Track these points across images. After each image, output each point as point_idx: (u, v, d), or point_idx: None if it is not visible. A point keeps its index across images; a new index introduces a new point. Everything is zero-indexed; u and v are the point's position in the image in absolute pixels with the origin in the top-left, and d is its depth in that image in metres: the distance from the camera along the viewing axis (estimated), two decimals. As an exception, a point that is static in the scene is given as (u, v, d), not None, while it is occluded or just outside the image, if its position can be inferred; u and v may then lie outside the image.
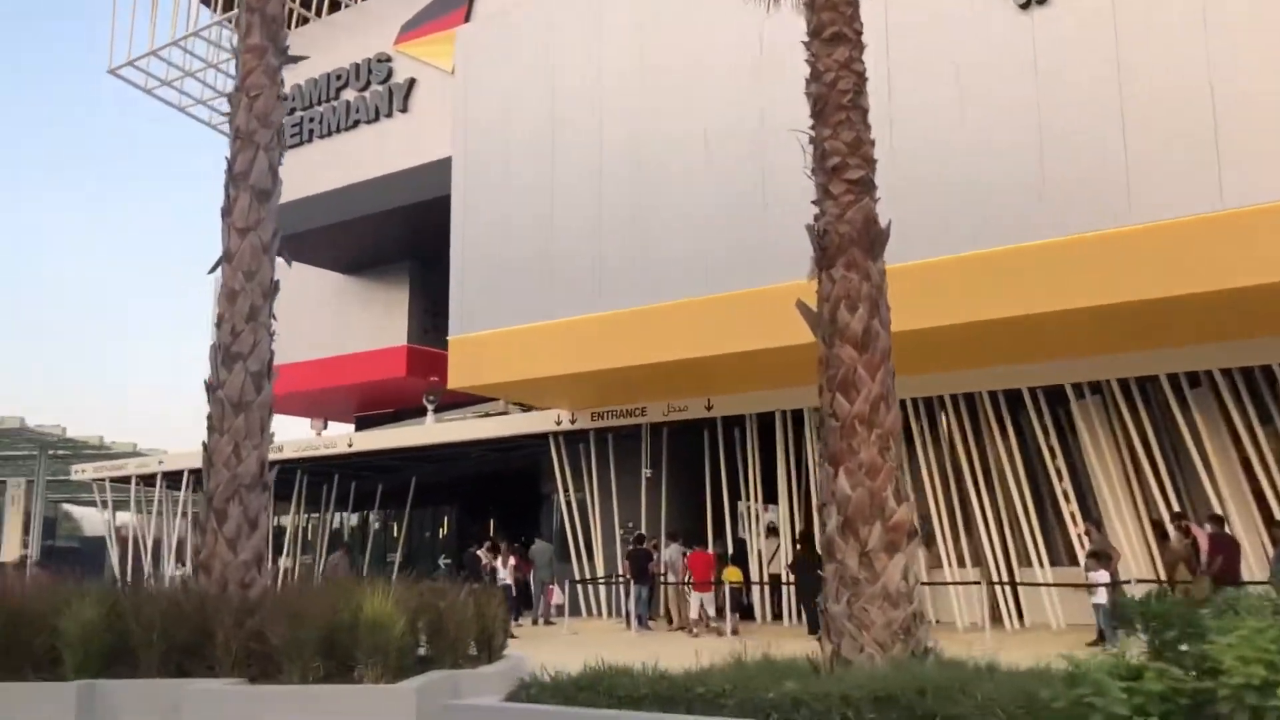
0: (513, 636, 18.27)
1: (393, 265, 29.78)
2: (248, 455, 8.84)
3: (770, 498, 19.63)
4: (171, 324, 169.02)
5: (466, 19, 25.35)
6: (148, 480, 28.95)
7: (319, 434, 33.52)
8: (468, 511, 31.24)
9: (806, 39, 7.29)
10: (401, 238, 28.53)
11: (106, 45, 31.95)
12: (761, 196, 16.16)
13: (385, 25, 26.86)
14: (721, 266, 16.40)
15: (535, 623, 20.79)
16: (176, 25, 31.35)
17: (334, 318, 30.90)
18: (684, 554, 18.93)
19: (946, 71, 14.54)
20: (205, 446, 8.99)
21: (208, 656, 7.12)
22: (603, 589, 21.44)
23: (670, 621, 19.47)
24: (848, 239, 6.81)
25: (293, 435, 35.67)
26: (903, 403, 17.16)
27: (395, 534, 30.97)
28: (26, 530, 48.76)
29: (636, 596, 19.08)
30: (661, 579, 19.48)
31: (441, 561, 29.48)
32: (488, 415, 26.84)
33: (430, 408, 28.49)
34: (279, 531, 28.96)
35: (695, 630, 18.11)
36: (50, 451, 46.70)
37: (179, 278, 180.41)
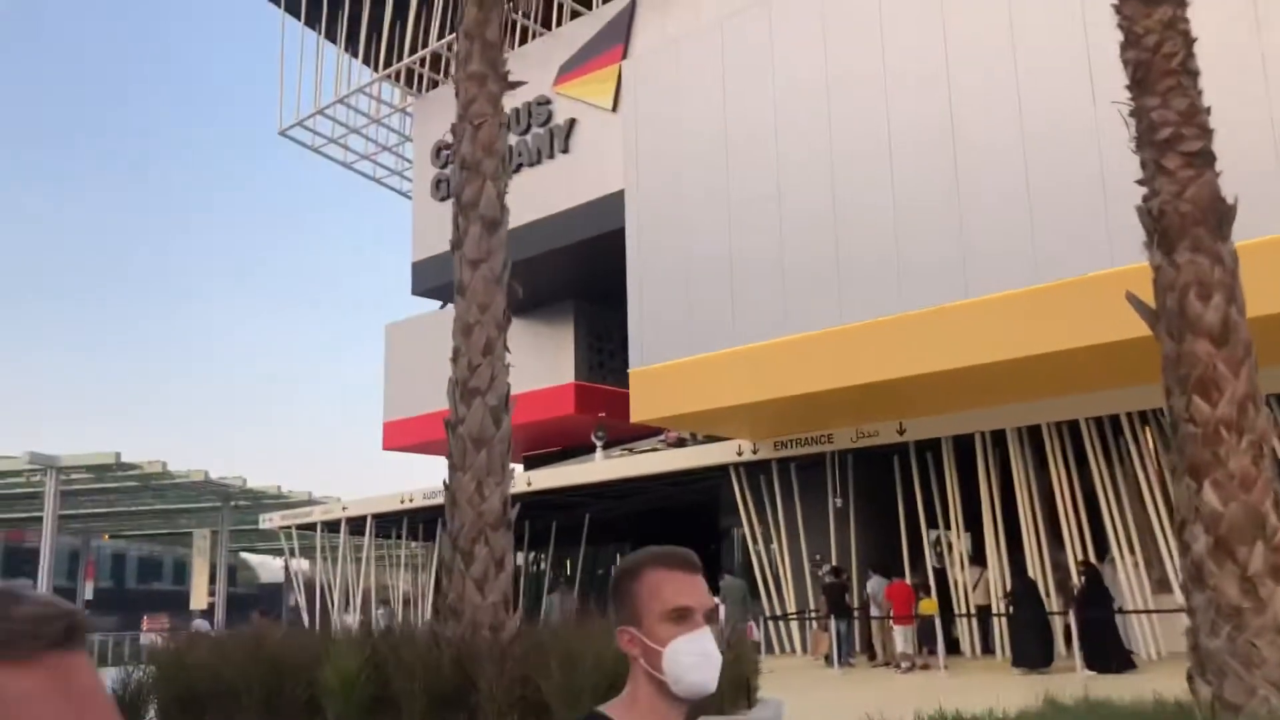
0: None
1: (557, 304, 29.53)
2: (491, 493, 8.31)
3: (971, 524, 18.39)
4: (341, 377, 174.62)
5: (624, 55, 25.05)
6: (331, 527, 29.15)
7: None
8: (640, 548, 30.65)
9: (1118, 1, 6.41)
10: (565, 276, 28.28)
11: (275, 109, 32.69)
12: (956, 204, 15.21)
13: (543, 69, 26.70)
14: (916, 281, 15.46)
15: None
16: (339, 85, 31.94)
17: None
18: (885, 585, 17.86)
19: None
20: (447, 485, 8.50)
21: (470, 705, 6.55)
22: (794, 625, 20.43)
23: (873, 657, 18.37)
24: (1190, 219, 5.89)
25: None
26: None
27: (568, 572, 30.52)
28: (212, 579, 50.10)
29: (836, 632, 18.05)
30: (858, 612, 18.42)
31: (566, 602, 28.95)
32: (655, 449, 26.24)
33: (599, 444, 28.04)
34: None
35: (904, 665, 17.01)
36: (232, 502, 47.94)
37: (342, 332, 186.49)
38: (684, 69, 18.89)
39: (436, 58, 29.65)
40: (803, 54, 17.23)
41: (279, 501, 49.17)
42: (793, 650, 20.46)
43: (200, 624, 10.82)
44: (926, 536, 19.02)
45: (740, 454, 20.73)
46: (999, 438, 17.99)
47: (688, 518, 27.57)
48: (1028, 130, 14.76)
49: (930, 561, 19.34)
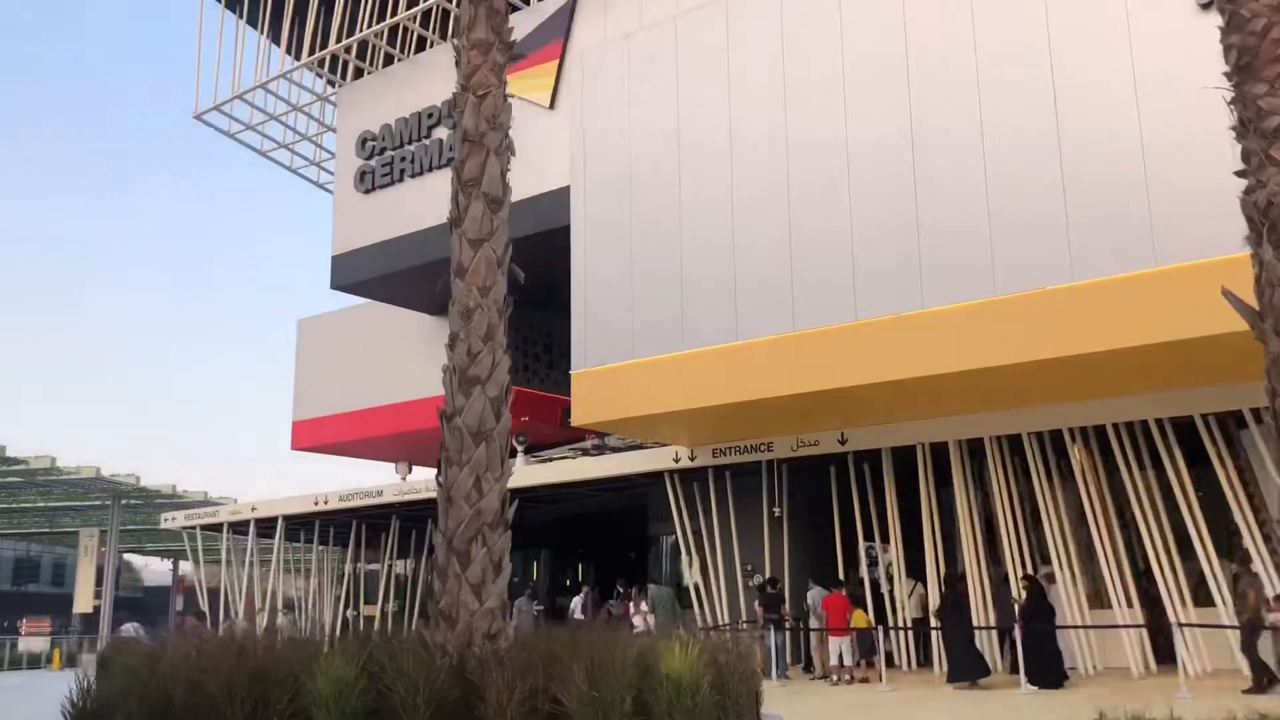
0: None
1: (482, 305, 28.73)
2: (489, 489, 7.72)
3: (910, 537, 18.24)
4: (239, 373, 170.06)
5: (563, 51, 24.52)
6: (238, 528, 27.92)
7: (404, 478, 32.45)
8: (560, 555, 30.03)
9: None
10: (492, 276, 27.51)
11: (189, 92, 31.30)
12: (914, 212, 15.01)
13: (477, 62, 25.97)
14: (870, 290, 15.23)
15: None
16: (259, 71, 30.70)
17: (426, 359, 29.83)
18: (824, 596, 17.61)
19: None
20: (440, 481, 7.87)
21: (476, 718, 5.93)
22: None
23: (809, 669, 18.11)
24: (1304, 211, 5.62)
25: (380, 479, 34.68)
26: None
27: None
28: (98, 580, 47.78)
29: (774, 644, 17.74)
30: (790, 624, 18.15)
31: (534, 608, 28.28)
32: (569, 457, 25.68)
33: (520, 449, 27.35)
34: (371, 577, 27.91)
35: (836, 678, 16.76)
36: (123, 501, 45.80)
37: (239, 327, 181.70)
38: (635, 64, 18.44)
39: (363, 45, 28.66)
40: (759, 53, 16.92)
41: (173, 501, 47.21)
42: (724, 661, 20.06)
43: (128, 628, 10.00)
44: (862, 548, 18.82)
45: (677, 460, 20.30)
46: (940, 450, 17.89)
47: (614, 525, 27.08)
48: (988, 136, 14.65)
49: (864, 573, 19.17)
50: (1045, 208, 14.11)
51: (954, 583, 17.07)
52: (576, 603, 23.07)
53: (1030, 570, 16.55)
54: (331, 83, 30.08)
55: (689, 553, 20.53)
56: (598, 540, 29.00)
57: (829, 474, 19.67)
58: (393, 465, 34.05)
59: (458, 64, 9.17)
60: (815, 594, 17.96)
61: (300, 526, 27.67)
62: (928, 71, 15.26)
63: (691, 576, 20.44)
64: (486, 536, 7.58)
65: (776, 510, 19.22)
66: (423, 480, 25.36)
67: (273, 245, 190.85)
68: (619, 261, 17.94)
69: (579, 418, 18.19)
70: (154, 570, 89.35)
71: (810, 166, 16.20)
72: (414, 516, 26.93)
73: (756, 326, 16.25)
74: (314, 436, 32.44)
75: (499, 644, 6.92)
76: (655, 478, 21.48)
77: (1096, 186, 13.77)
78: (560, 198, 23.82)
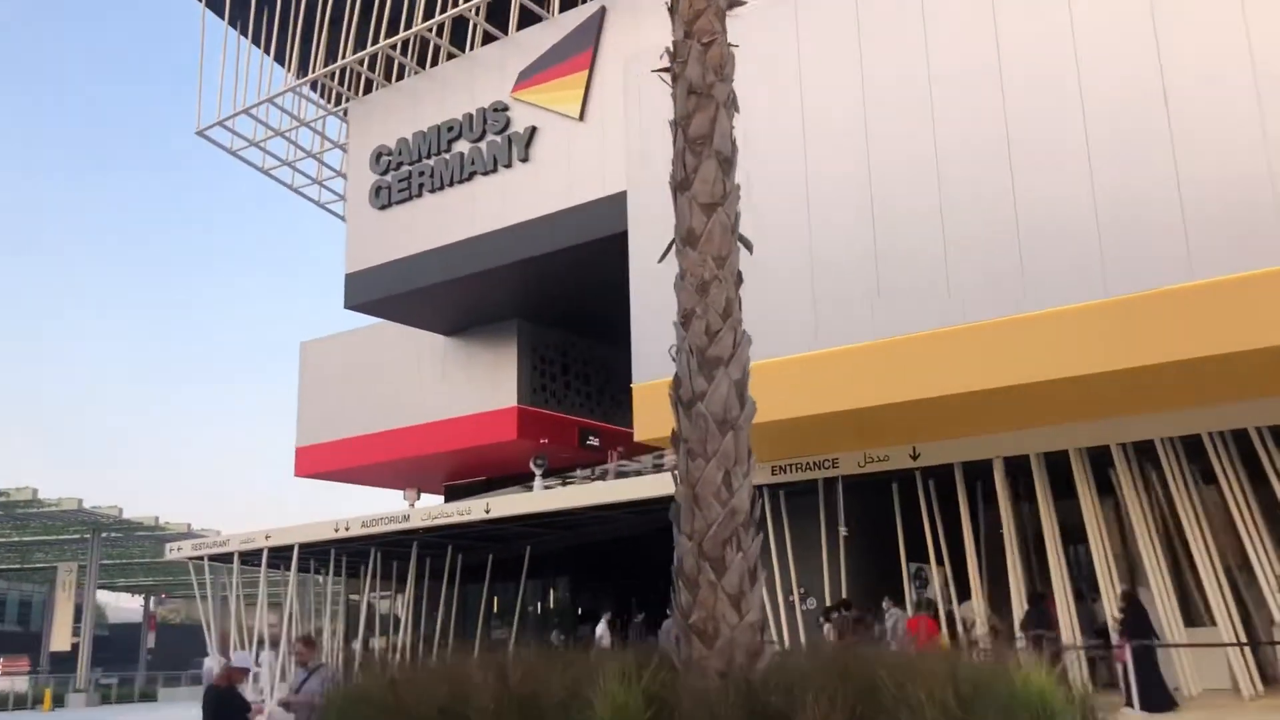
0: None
1: (499, 324, 27.64)
2: (739, 486, 6.64)
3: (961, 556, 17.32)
4: (217, 407, 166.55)
5: (592, 63, 23.61)
6: (248, 558, 26.43)
7: (412, 504, 31.13)
8: (585, 581, 28.79)
9: None
10: (511, 295, 26.48)
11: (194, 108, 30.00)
12: (1012, 214, 14.19)
13: (497, 74, 25.04)
14: (963, 295, 14.36)
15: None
16: (263, 87, 29.50)
17: (437, 381, 28.72)
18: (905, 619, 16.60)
19: None
20: (681, 476, 6.76)
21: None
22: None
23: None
24: None
25: (385, 507, 33.44)
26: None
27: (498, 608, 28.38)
28: (76, 617, 45.69)
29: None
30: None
31: (554, 637, 27.02)
32: (587, 481, 24.53)
33: (538, 472, 26.21)
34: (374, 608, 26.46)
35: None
36: (103, 534, 43.91)
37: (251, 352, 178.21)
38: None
39: (369, 61, 27.57)
40: (840, 49, 16.09)
41: (154, 534, 45.42)
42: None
43: (242, 657, 8.68)
44: (934, 568, 17.81)
45: (732, 479, 19.19)
46: (1017, 464, 17.00)
47: (643, 550, 25.90)
48: (1092, 136, 13.88)
49: (927, 593, 18.22)
50: (1156, 208, 13.34)
51: (1038, 600, 16.17)
52: (601, 630, 21.82)
53: (1125, 587, 15.66)
54: (338, 99, 28.91)
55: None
56: (629, 566, 27.76)
57: (891, 491, 18.70)
58: (399, 492, 32.75)
59: (673, 11, 8.06)
60: (897, 616, 16.93)
61: (311, 555, 26.21)
62: (1022, 70, 14.50)
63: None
64: (741, 539, 6.52)
65: (845, 529, 18.16)
66: (451, 505, 24.03)
67: (271, 269, 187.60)
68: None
69: (642, 433, 17.11)
70: (118, 608, 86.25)
71: (898, 165, 15.34)
72: (433, 543, 25.62)
73: (839, 333, 15.30)
74: (319, 463, 31.05)
75: (757, 665, 5.86)
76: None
77: (1211, 185, 13.03)
78: (587, 213, 22.95)
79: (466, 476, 31.07)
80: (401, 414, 29.22)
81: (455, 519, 22.67)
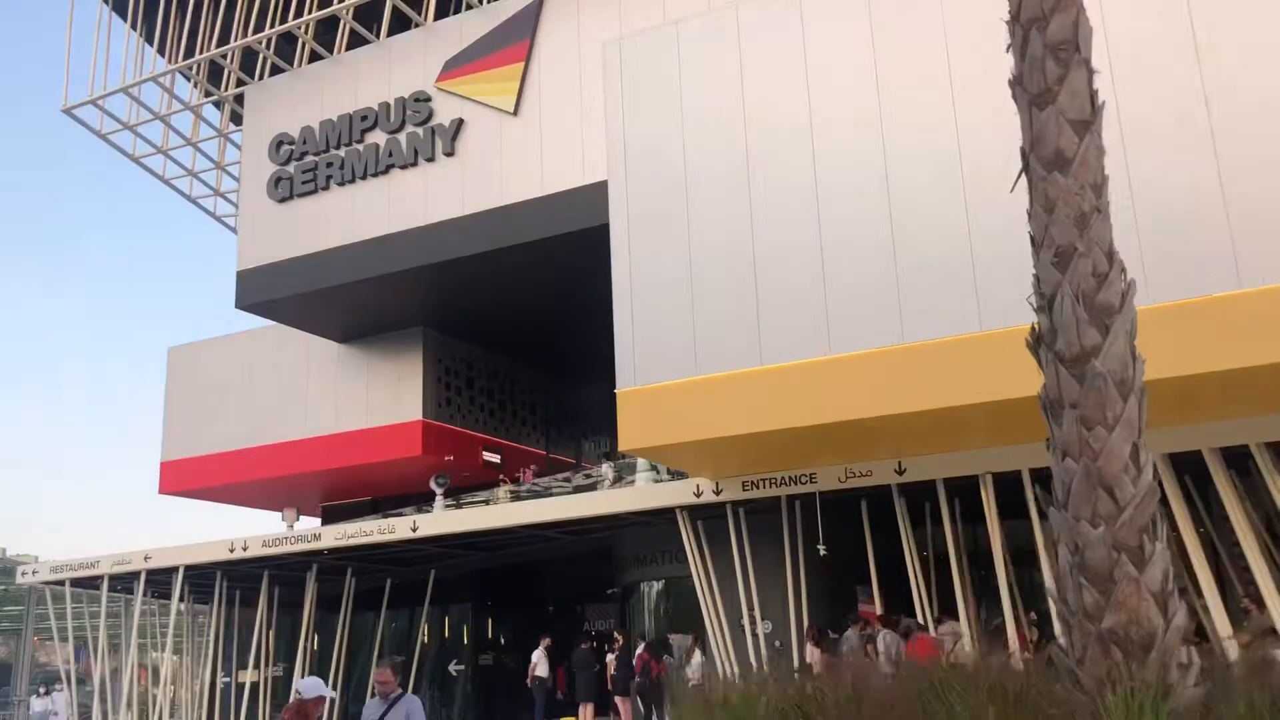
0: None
1: (402, 332, 25.41)
2: (1145, 463, 5.16)
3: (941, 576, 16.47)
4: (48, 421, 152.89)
5: (529, 54, 21.94)
6: (119, 582, 23.18)
7: (290, 526, 28.26)
8: (488, 608, 26.65)
9: None
10: (421, 300, 24.37)
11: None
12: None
13: (418, 62, 23.04)
14: (991, 296, 13.41)
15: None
16: (126, 72, 26.41)
17: (328, 392, 26.16)
18: (905, 642, 15.45)
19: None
20: (1063, 447, 5.23)
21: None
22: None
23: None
24: None
25: (258, 530, 30.52)
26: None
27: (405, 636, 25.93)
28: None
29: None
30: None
31: (453, 668, 24.94)
32: (487, 502, 22.58)
33: (439, 491, 24.06)
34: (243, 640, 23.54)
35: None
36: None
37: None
38: (689, 50, 16.15)
39: (270, 42, 25.08)
40: (847, 35, 15.04)
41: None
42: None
43: (313, 684, 6.59)
44: (921, 587, 16.78)
45: (699, 494, 17.78)
46: (1003, 481, 16.23)
47: (574, 572, 24.14)
48: (1126, 131, 13.21)
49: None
50: (1199, 208, 12.75)
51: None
52: (538, 657, 19.99)
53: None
54: (228, 83, 26.16)
55: (708, 597, 17.93)
56: (553, 591, 25.86)
57: (859, 509, 17.68)
58: (275, 514, 29.77)
59: None
60: (888, 638, 15.78)
61: (200, 579, 23.20)
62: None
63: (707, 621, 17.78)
64: (1157, 527, 5.11)
65: (823, 548, 16.97)
66: (370, 523, 21.58)
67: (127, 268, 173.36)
68: (674, 268, 15.43)
69: (627, 442, 15.46)
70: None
71: (913, 159, 14.32)
72: (332, 568, 23.08)
73: (853, 338, 14.12)
74: (187, 480, 27.89)
75: (1188, 679, 4.47)
76: (652, 516, 18.89)
77: (1257, 185, 12.52)
78: (521, 212, 21.25)
79: (348, 496, 28.50)
80: (284, 427, 26.53)
81: (376, 538, 20.36)
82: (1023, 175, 5.77)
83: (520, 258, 21.80)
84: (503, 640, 26.35)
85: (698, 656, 16.08)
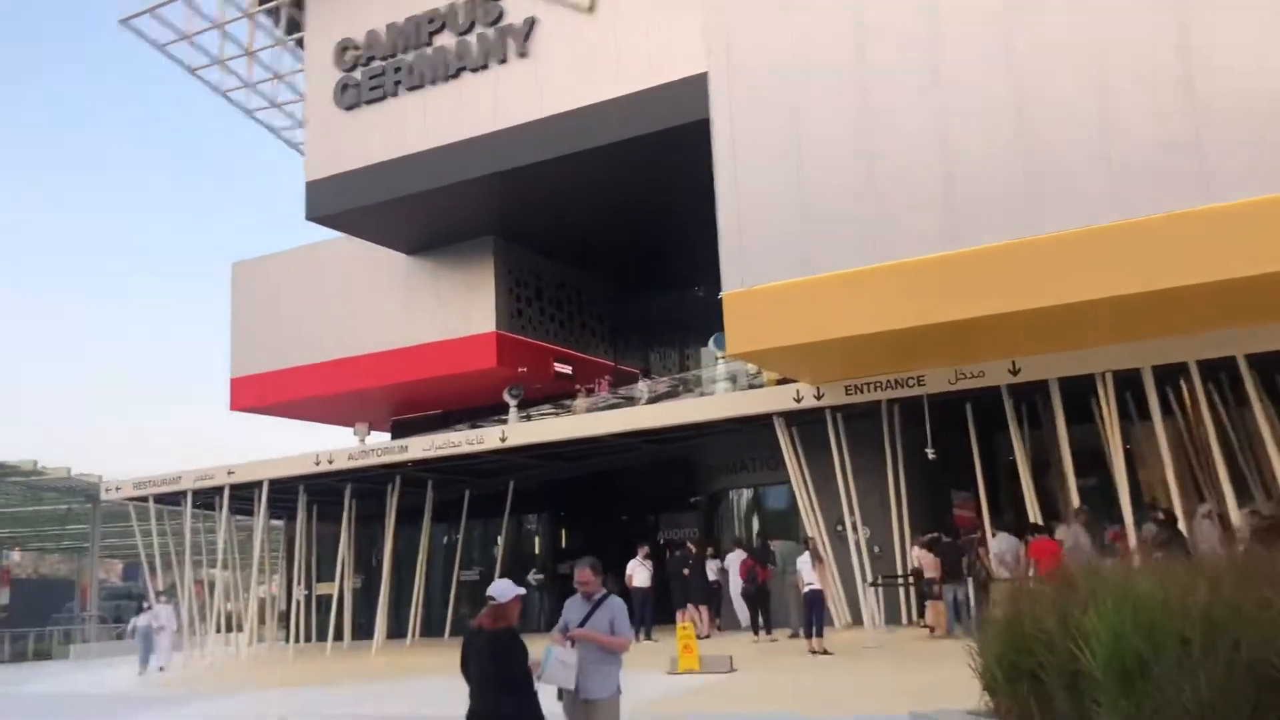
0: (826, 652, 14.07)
1: (472, 242, 24.77)
2: None
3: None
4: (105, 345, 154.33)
5: (604, -53, 20.84)
6: (202, 496, 23.02)
7: (362, 440, 28.06)
8: (567, 519, 26.46)
9: None
10: (492, 209, 23.67)
11: None
12: (1189, 97, 12.47)
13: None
14: (1127, 182, 12.62)
15: (797, 635, 16.41)
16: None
17: (397, 305, 25.68)
18: (1025, 544, 14.99)
19: None
20: None
21: None
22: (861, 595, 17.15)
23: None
24: None
25: (338, 443, 30.36)
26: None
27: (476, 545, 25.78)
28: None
29: (954, 600, 15.10)
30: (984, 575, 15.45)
31: (532, 577, 24.78)
32: (565, 411, 22.06)
33: (513, 403, 23.65)
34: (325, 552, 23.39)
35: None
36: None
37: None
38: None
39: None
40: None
41: (31, 479, 40.47)
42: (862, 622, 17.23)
43: (505, 586, 5.99)
44: (1029, 490, 16.23)
45: (799, 399, 17.24)
46: (1131, 379, 15.57)
47: (657, 482, 23.80)
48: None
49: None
50: None
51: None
52: (634, 566, 19.48)
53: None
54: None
55: (810, 506, 17.50)
56: (629, 501, 25.56)
57: (964, 412, 17.10)
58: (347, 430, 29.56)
59: None
60: (1004, 541, 15.35)
61: (282, 493, 23.00)
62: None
63: (810, 530, 17.36)
64: None
65: (932, 451, 16.43)
66: (458, 434, 21.21)
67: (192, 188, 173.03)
68: (784, 164, 14.69)
69: (735, 346, 14.91)
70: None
71: (1042, 39, 13.42)
72: (413, 480, 22.81)
73: (979, 232, 13.39)
74: (258, 395, 27.65)
75: None
76: (749, 423, 18.40)
77: None
78: (598, 114, 20.40)
79: (419, 410, 28.15)
80: (354, 341, 26.10)
81: (465, 449, 20.00)
82: None
83: (596, 162, 21.00)
84: (577, 549, 26.17)
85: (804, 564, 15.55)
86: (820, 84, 14.59)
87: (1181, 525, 13.94)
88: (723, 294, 14.87)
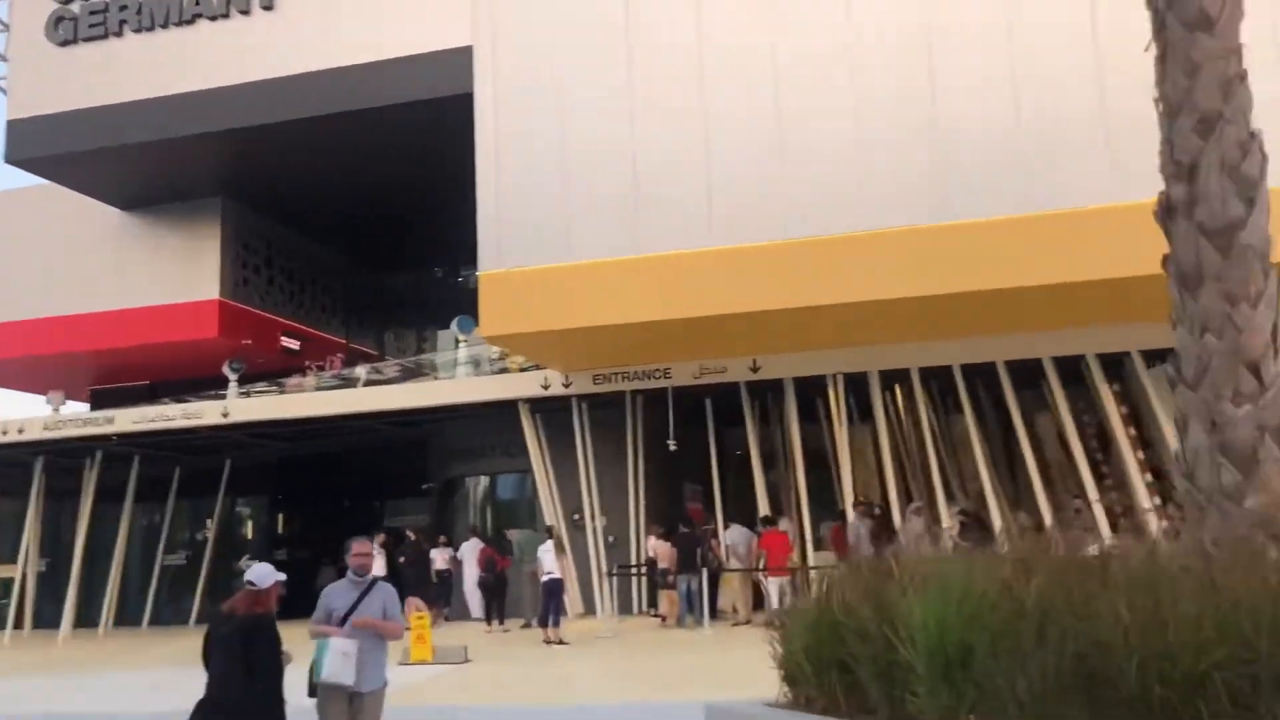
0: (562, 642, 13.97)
1: (197, 202, 22.97)
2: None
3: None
4: None
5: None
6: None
7: (56, 409, 25.36)
8: (285, 502, 25.00)
9: None
10: (220, 168, 22.06)
11: None
12: (930, 111, 13.26)
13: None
14: (882, 194, 13.29)
15: (530, 625, 16.23)
16: None
17: (108, 264, 23.43)
18: (755, 536, 15.49)
19: None
20: (1202, 322, 4.72)
21: None
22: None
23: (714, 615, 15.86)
24: None
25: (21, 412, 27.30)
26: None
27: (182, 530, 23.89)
28: None
29: (687, 590, 15.38)
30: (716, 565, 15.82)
31: (245, 562, 23.28)
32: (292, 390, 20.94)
33: (233, 377, 22.20)
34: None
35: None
36: None
37: None
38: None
39: None
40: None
41: None
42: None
43: (264, 570, 5.21)
44: (760, 485, 16.78)
45: (546, 386, 17.03)
46: (858, 381, 16.41)
47: (384, 467, 22.81)
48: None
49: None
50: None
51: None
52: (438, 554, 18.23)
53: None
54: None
55: (551, 495, 17.32)
56: (354, 485, 24.33)
57: (704, 406, 17.47)
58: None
59: None
60: (737, 533, 15.77)
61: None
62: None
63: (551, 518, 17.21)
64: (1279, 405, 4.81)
65: (673, 444, 16.64)
66: (175, 408, 19.47)
67: None
68: (548, 146, 14.42)
69: (490, 328, 14.51)
70: None
71: (808, 49, 13.83)
72: (117, 455, 20.83)
73: (735, 231, 13.65)
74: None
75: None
76: (492, 408, 18.02)
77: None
78: (345, 78, 19.45)
79: (123, 380, 25.80)
80: (60, 300, 23.58)
81: (180, 423, 18.43)
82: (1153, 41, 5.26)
83: (343, 129, 19.99)
84: (296, 535, 24.85)
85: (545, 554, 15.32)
86: (588, 68, 14.43)
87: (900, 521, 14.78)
88: (479, 274, 14.42)
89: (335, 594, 6.22)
